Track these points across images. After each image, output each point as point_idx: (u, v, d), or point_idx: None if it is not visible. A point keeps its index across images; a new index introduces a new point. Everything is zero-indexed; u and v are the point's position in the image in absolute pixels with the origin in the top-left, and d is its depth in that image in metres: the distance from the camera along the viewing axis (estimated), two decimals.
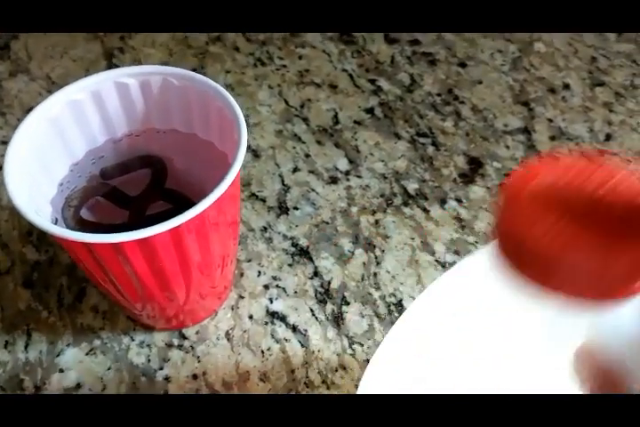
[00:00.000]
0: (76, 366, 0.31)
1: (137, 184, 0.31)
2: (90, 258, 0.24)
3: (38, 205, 0.26)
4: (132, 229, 0.29)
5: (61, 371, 0.30)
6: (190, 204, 0.30)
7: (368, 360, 0.30)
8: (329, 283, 0.33)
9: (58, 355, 0.31)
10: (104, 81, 0.27)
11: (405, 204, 0.37)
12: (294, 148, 0.40)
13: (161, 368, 0.30)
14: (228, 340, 0.31)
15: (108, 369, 0.30)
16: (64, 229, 0.22)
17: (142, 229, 0.22)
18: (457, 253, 0.34)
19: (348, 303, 0.32)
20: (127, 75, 0.28)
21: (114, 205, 0.30)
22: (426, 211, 0.36)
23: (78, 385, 0.30)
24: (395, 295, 0.32)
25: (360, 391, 0.21)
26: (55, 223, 0.27)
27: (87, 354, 0.31)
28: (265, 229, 0.36)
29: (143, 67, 0.28)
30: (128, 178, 0.30)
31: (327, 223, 0.36)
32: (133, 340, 0.32)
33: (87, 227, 0.28)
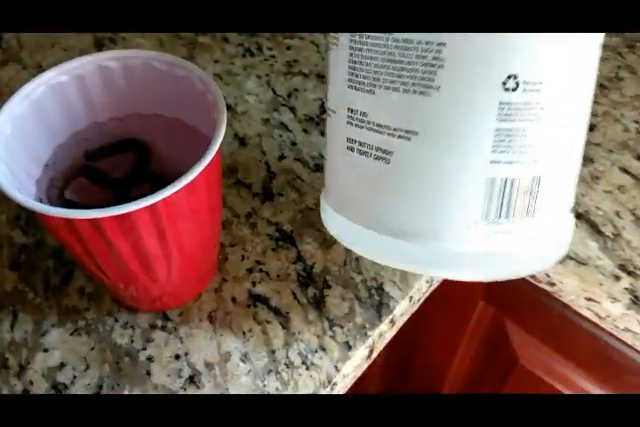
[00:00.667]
0: (61, 345, 0.31)
1: (122, 167, 0.31)
2: (71, 236, 0.25)
3: (23, 184, 0.26)
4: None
5: (46, 351, 0.31)
6: None
7: (347, 342, 0.30)
8: (312, 267, 0.34)
9: (43, 335, 0.31)
10: (87, 64, 0.28)
11: None
12: (281, 136, 0.40)
13: (144, 349, 0.31)
14: (211, 322, 0.32)
15: (92, 349, 0.31)
16: (43, 205, 0.22)
17: (120, 206, 0.22)
18: None
19: (329, 287, 0.33)
20: (110, 59, 0.28)
21: (99, 188, 0.31)
22: None
23: (62, 364, 0.30)
24: (376, 279, 0.33)
25: None
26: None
27: (72, 334, 0.32)
28: (250, 214, 0.36)
29: (126, 51, 0.28)
30: (113, 161, 0.31)
31: (312, 209, 0.36)
32: (117, 321, 0.32)
33: (71, 207, 0.29)
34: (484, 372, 0.53)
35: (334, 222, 0.27)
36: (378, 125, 0.23)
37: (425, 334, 0.55)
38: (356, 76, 0.23)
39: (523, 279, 0.37)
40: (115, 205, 0.30)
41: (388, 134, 0.23)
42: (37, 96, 0.27)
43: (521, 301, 0.43)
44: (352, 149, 0.24)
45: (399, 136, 0.22)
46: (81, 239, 0.25)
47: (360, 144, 0.24)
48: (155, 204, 0.23)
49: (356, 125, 0.24)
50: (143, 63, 0.28)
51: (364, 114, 0.23)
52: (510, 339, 0.46)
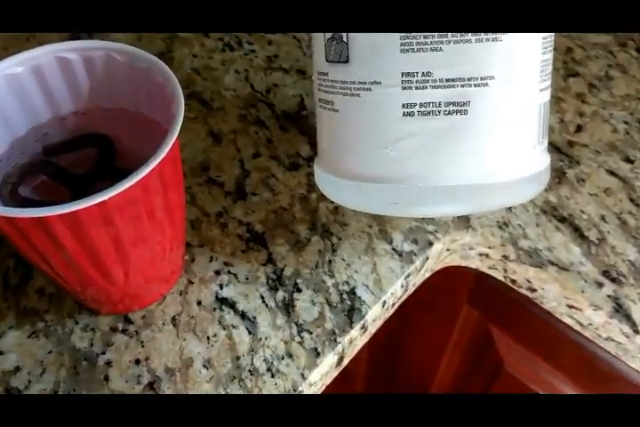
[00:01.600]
0: (17, 348, 0.30)
1: (84, 163, 0.30)
2: (18, 236, 0.23)
3: None
4: None
5: (1, 353, 0.30)
6: None
7: (316, 349, 0.29)
8: (282, 270, 0.32)
9: None
10: (44, 55, 0.27)
11: None
12: (256, 133, 0.39)
13: (103, 353, 0.30)
14: (174, 325, 0.30)
15: (50, 353, 0.30)
16: None
17: (67, 203, 0.21)
18: (415, 242, 0.33)
19: (299, 290, 0.31)
20: (69, 49, 0.27)
21: (59, 185, 0.29)
22: None
23: (17, 368, 0.29)
24: (348, 283, 0.32)
25: None
26: None
27: (29, 337, 0.30)
28: (220, 214, 0.35)
29: (85, 42, 0.27)
30: (75, 157, 0.29)
31: (285, 209, 0.35)
32: (78, 323, 0.31)
33: (26, 205, 0.27)
34: (469, 377, 0.52)
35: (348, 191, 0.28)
36: (447, 80, 0.24)
37: (410, 339, 0.53)
38: (414, 37, 0.24)
39: (504, 284, 0.36)
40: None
41: (462, 86, 0.24)
42: None
43: (504, 305, 0.42)
44: (411, 114, 0.25)
45: (475, 85, 0.24)
46: (29, 240, 0.23)
47: (422, 105, 0.25)
48: (104, 202, 0.21)
49: (416, 88, 0.25)
50: (104, 55, 0.27)
51: (428, 73, 0.24)
52: (495, 344, 0.45)
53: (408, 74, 0.24)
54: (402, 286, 0.32)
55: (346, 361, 0.31)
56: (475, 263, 0.35)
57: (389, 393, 0.61)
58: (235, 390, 0.28)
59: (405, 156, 0.26)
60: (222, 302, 0.31)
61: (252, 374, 0.28)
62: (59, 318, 0.31)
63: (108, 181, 0.30)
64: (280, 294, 0.31)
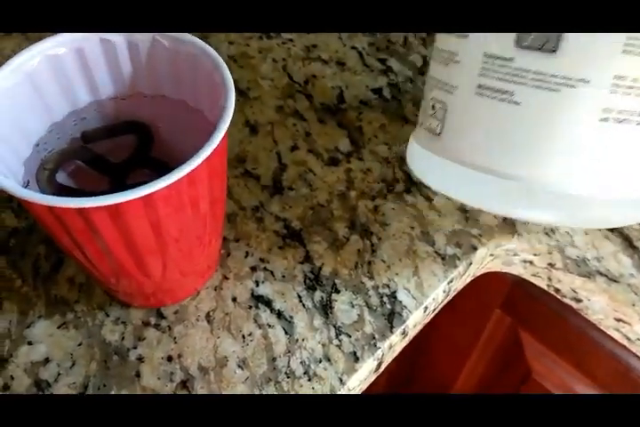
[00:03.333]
0: (46, 339, 0.29)
1: (121, 151, 0.29)
2: (56, 225, 0.22)
3: (8, 164, 0.24)
4: None
5: (30, 344, 0.29)
6: None
7: (355, 353, 0.28)
8: (320, 269, 0.31)
9: (28, 327, 0.29)
10: (88, 37, 0.25)
11: (407, 191, 0.34)
12: (294, 125, 0.38)
13: (135, 347, 0.29)
14: (209, 322, 0.29)
15: (79, 345, 0.29)
16: (22, 189, 0.20)
17: (111, 195, 0.20)
18: (458, 245, 0.32)
19: (338, 291, 0.30)
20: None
21: (95, 172, 0.28)
22: (429, 199, 0.34)
23: (47, 360, 0.28)
24: (389, 286, 0.30)
25: None
26: (26, 186, 0.25)
27: (59, 328, 0.29)
28: (257, 208, 0.34)
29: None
30: (111, 143, 0.28)
31: (323, 206, 0.34)
32: (108, 316, 0.30)
33: (63, 192, 0.26)
34: (494, 383, 0.50)
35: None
36: None
37: (435, 339, 0.52)
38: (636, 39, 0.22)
39: (540, 290, 0.34)
40: (110, 192, 0.28)
41: None
42: (31, 68, 0.24)
43: (539, 312, 0.41)
44: (606, 120, 0.24)
45: None
46: (67, 229, 0.22)
47: (620, 112, 0.24)
48: (149, 195, 0.20)
49: (622, 93, 0.23)
50: (149, 38, 0.26)
51: (637, 80, 0.23)
52: (525, 351, 0.44)
53: (620, 77, 0.23)
54: (444, 292, 0.31)
55: (383, 367, 0.30)
56: (517, 270, 0.34)
57: (407, 393, 0.60)
58: (270, 392, 0.27)
59: (581, 162, 0.24)
60: (258, 299, 0.30)
61: (288, 377, 0.27)
62: (89, 309, 0.30)
63: (146, 170, 0.29)
64: (318, 295, 0.30)
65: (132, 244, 0.23)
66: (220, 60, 0.24)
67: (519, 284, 0.38)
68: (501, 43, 0.24)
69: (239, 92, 0.40)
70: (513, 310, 0.43)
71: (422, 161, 0.29)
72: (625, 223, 0.27)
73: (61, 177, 0.28)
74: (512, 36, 0.24)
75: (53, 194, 0.26)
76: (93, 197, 0.20)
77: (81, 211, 0.21)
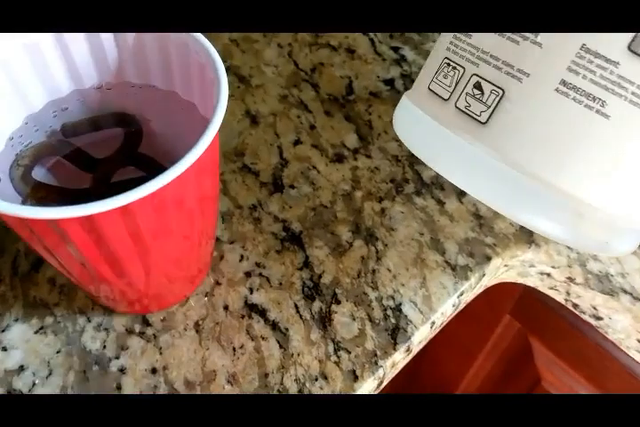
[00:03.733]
0: (22, 345, 0.27)
1: (105, 145, 0.26)
2: (28, 233, 0.20)
3: None
4: (94, 197, 0.25)
5: (4, 349, 0.27)
6: (164, 172, 0.26)
7: (354, 371, 0.26)
8: (320, 276, 0.29)
9: (3, 330, 0.27)
10: None
11: (418, 193, 0.32)
12: (298, 117, 0.35)
13: (117, 357, 0.27)
14: (197, 331, 0.27)
15: (58, 352, 0.27)
16: None
17: (84, 205, 0.17)
18: (471, 255, 0.29)
19: (338, 302, 0.28)
20: None
21: (77, 169, 0.26)
22: (441, 203, 0.31)
23: (21, 368, 0.26)
24: (393, 298, 0.28)
25: None
26: None
27: (36, 332, 0.27)
28: (254, 207, 0.31)
29: None
30: (95, 137, 0.26)
31: (326, 207, 0.31)
32: (90, 321, 0.28)
33: (39, 191, 0.24)
34: (499, 387, 0.48)
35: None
36: None
37: (440, 339, 0.50)
38: None
39: (560, 305, 0.32)
40: (95, 191, 0.25)
41: None
42: (5, 56, 0.22)
43: (552, 321, 0.38)
44: None
45: None
46: (38, 238, 0.20)
47: None
48: (127, 205, 0.18)
49: None
50: None
51: None
52: (535, 359, 0.42)
53: None
54: (453, 306, 0.28)
55: (384, 385, 0.28)
56: (533, 282, 0.32)
57: (409, 394, 0.58)
58: None
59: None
60: (252, 308, 0.28)
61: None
62: (69, 313, 0.28)
63: (132, 168, 0.26)
64: (316, 305, 0.28)
65: (111, 253, 0.21)
66: (214, 52, 0.21)
67: (532, 290, 0.36)
68: (610, 39, 0.20)
69: (240, 78, 0.37)
70: (524, 317, 0.41)
71: (422, 133, 0.26)
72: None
73: (40, 172, 0.25)
74: (627, 36, 0.20)
75: (27, 194, 0.23)
76: (65, 208, 0.17)
77: (52, 221, 0.18)
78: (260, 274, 0.29)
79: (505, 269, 0.31)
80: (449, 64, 0.25)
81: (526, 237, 0.30)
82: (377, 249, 0.30)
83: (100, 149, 0.26)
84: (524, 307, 0.40)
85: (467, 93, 0.24)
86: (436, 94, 0.25)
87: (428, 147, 0.25)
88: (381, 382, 0.27)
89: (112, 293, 0.25)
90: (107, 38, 0.24)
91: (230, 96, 0.36)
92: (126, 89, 0.26)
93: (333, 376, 0.26)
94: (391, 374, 0.28)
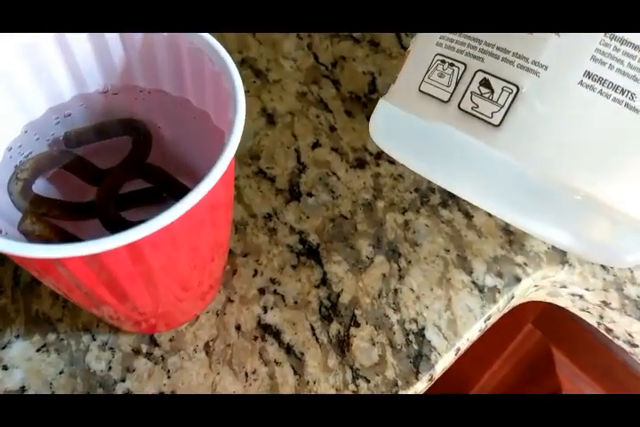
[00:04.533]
0: (24, 364, 0.26)
1: (111, 154, 0.24)
2: (26, 263, 0.18)
3: None
4: (100, 211, 0.23)
5: (5, 368, 0.25)
6: (174, 184, 0.24)
7: None
8: (338, 296, 0.27)
9: (4, 347, 0.26)
10: None
11: (444, 204, 0.30)
12: (318, 117, 0.33)
13: (122, 380, 0.25)
14: (207, 353, 0.26)
15: (61, 373, 0.25)
16: None
17: (85, 243, 0.16)
18: (500, 275, 0.27)
19: (357, 325, 0.26)
20: None
21: (80, 180, 0.24)
22: (468, 216, 0.29)
23: (22, 388, 0.25)
24: (416, 322, 0.26)
25: None
26: None
27: (38, 350, 0.26)
28: (269, 216, 0.29)
29: None
30: (100, 146, 0.24)
31: (345, 218, 0.29)
32: (94, 339, 0.26)
33: (40, 206, 0.22)
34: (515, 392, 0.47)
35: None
36: None
37: None
38: None
39: (590, 324, 0.30)
40: (101, 204, 0.23)
41: None
42: (1, 57, 0.20)
43: (574, 333, 0.37)
44: None
45: None
46: (36, 269, 0.18)
47: None
48: (134, 242, 0.16)
49: None
50: None
51: None
52: (556, 369, 0.40)
53: None
54: (479, 330, 0.27)
55: None
56: (564, 302, 0.30)
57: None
58: None
59: None
60: (265, 329, 0.26)
61: None
62: (73, 329, 0.26)
63: (139, 180, 0.24)
64: (334, 327, 0.26)
65: (113, 280, 0.19)
66: (230, 60, 0.19)
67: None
68: None
69: (256, 72, 0.35)
70: (547, 327, 0.39)
71: (412, 140, 0.23)
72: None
73: (40, 183, 0.24)
74: None
75: (27, 210, 0.21)
76: (64, 245, 0.16)
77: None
78: (275, 291, 0.27)
79: (534, 289, 0.29)
80: (443, 61, 0.22)
81: (559, 256, 0.28)
82: (399, 266, 0.28)
83: (105, 159, 0.24)
84: (548, 316, 0.38)
85: (472, 93, 0.21)
86: (432, 96, 0.22)
87: (420, 154, 0.23)
88: None
89: (115, 314, 0.24)
90: (112, 38, 0.22)
91: (245, 92, 0.34)
92: (134, 93, 0.23)
93: None
94: None
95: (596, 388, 0.38)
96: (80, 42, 0.21)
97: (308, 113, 0.33)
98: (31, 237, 0.21)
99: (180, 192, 0.17)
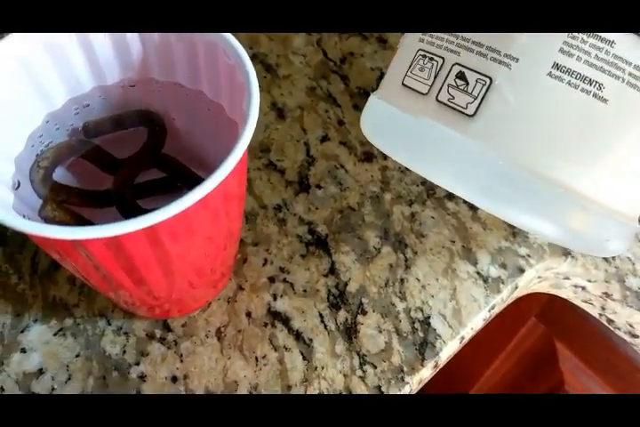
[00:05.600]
0: (41, 347, 0.26)
1: (127, 144, 0.25)
2: (46, 244, 0.19)
3: None
4: (116, 199, 0.24)
5: (23, 351, 0.26)
6: (188, 174, 0.25)
7: (379, 387, 0.25)
8: (346, 284, 0.28)
9: (22, 331, 0.27)
10: None
11: (450, 196, 0.30)
12: (327, 111, 0.34)
13: (137, 363, 0.26)
14: (219, 339, 0.26)
15: (77, 356, 0.26)
16: None
17: (105, 226, 0.16)
18: (504, 266, 0.28)
19: (365, 313, 0.27)
20: None
21: (97, 169, 0.25)
22: (473, 208, 0.30)
23: (40, 371, 0.26)
24: (422, 310, 0.27)
25: None
26: (17, 188, 0.22)
27: (55, 334, 0.27)
28: (279, 207, 0.30)
29: None
30: (117, 136, 0.25)
31: (353, 210, 0.30)
32: (110, 324, 0.27)
33: (59, 193, 0.23)
34: (519, 388, 0.48)
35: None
36: None
37: None
38: None
39: (593, 317, 0.31)
40: (117, 192, 0.24)
41: None
42: (26, 52, 0.21)
43: (579, 326, 0.37)
44: None
45: None
46: (57, 250, 0.19)
47: None
48: (152, 225, 0.17)
49: None
50: None
51: None
52: (559, 363, 0.41)
53: None
54: (483, 320, 0.27)
55: None
56: (567, 294, 0.31)
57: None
58: None
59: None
60: (275, 316, 0.27)
61: None
62: (89, 315, 0.27)
63: (155, 170, 0.25)
64: (342, 315, 0.27)
65: (131, 264, 0.20)
66: (245, 54, 0.20)
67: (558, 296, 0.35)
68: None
69: (267, 67, 0.35)
70: (550, 320, 0.40)
71: (397, 133, 0.24)
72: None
73: (59, 171, 0.24)
74: None
75: (47, 197, 0.22)
76: (85, 228, 0.16)
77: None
78: (285, 280, 0.28)
79: (538, 280, 0.30)
80: (424, 56, 0.23)
81: (562, 248, 0.29)
82: (406, 257, 0.29)
83: (121, 148, 0.25)
84: (551, 310, 0.39)
85: (449, 85, 0.22)
86: (413, 89, 0.23)
87: (405, 147, 0.24)
88: None
89: (131, 298, 0.25)
90: (130, 33, 0.22)
91: None
92: (151, 86, 0.24)
93: (358, 392, 0.25)
94: (417, 389, 0.27)
95: (599, 381, 0.38)
96: (100, 37, 0.22)
97: (317, 107, 0.34)
98: (51, 223, 0.21)
99: (194, 182, 0.18)
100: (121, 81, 0.24)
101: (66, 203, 0.23)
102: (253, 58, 0.36)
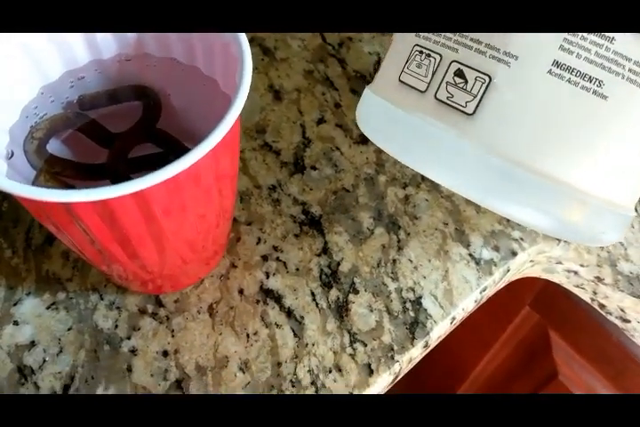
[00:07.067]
0: (34, 320, 0.27)
1: (122, 119, 0.25)
2: (38, 211, 0.19)
3: None
4: (110, 173, 0.24)
5: (16, 323, 0.26)
6: (182, 149, 0.25)
7: (369, 365, 0.25)
8: (338, 264, 0.28)
9: (15, 304, 0.27)
10: None
11: None
12: (324, 94, 0.34)
13: (128, 338, 0.26)
14: (211, 315, 0.27)
15: (69, 330, 0.26)
16: None
17: (95, 189, 0.16)
18: (496, 249, 0.28)
19: (356, 292, 0.27)
20: None
21: (92, 143, 0.25)
22: None
23: (32, 343, 0.26)
24: (414, 290, 0.27)
25: None
26: (10, 157, 0.22)
27: (48, 308, 0.27)
28: (274, 188, 0.30)
29: None
30: (112, 110, 0.25)
31: (347, 191, 0.30)
32: (102, 299, 0.27)
33: (54, 165, 0.23)
34: (514, 379, 0.48)
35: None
36: None
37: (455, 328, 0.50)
38: None
39: (586, 303, 0.31)
40: (111, 166, 0.24)
41: None
42: None
43: (572, 314, 0.37)
44: None
45: None
46: (48, 217, 0.19)
47: None
48: (141, 191, 0.17)
49: None
50: None
51: None
52: (552, 351, 0.41)
53: None
54: (475, 301, 0.27)
55: (398, 379, 0.27)
56: (558, 278, 0.31)
57: (410, 394, 0.58)
58: None
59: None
60: (267, 293, 0.27)
61: (293, 386, 0.25)
62: (82, 289, 0.27)
63: (149, 145, 0.25)
64: (333, 294, 0.27)
65: (123, 234, 0.20)
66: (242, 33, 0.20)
67: (555, 283, 0.35)
68: None
69: (265, 50, 0.35)
70: (544, 309, 0.40)
71: (394, 128, 0.24)
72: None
73: (54, 144, 0.25)
74: None
75: (41, 168, 0.22)
76: (76, 191, 0.17)
77: (63, 203, 0.18)
78: (277, 258, 0.28)
79: (530, 264, 0.30)
80: (421, 52, 0.23)
81: None
82: (399, 238, 0.29)
83: (116, 123, 0.25)
84: (545, 299, 0.39)
85: (447, 83, 0.22)
86: (411, 86, 0.23)
87: (401, 142, 0.24)
88: (397, 377, 0.26)
89: (124, 272, 0.25)
90: None
91: (254, 69, 0.35)
92: (146, 61, 0.24)
93: (348, 369, 0.25)
94: (407, 368, 0.27)
95: (591, 370, 0.39)
96: None
97: (314, 90, 0.34)
98: None
99: None
100: (117, 55, 0.24)
101: (60, 175, 0.23)
102: (252, 41, 0.36)
